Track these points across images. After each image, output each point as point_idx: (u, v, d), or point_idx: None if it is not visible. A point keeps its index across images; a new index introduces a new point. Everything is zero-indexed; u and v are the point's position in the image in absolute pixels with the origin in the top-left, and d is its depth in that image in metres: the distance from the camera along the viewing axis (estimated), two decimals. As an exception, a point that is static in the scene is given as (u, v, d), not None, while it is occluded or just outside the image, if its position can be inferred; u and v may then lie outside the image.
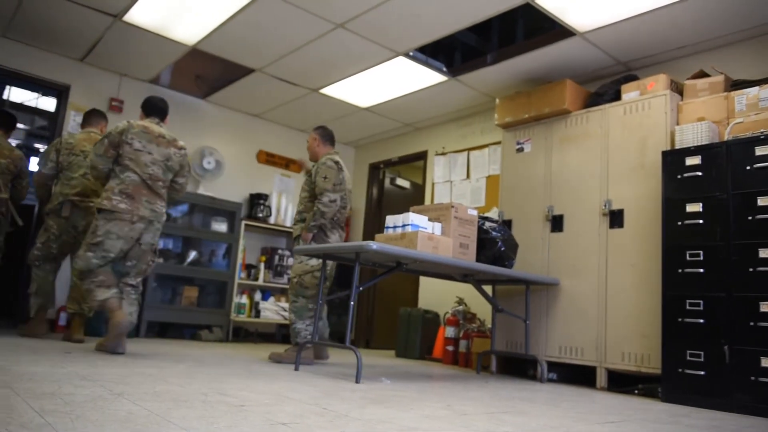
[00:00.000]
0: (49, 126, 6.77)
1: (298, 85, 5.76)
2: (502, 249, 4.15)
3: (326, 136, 4.47)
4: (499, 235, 4.18)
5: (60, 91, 5.68)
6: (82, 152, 4.50)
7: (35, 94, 6.74)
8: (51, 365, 2.86)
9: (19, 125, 7.17)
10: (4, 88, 7.70)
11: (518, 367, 4.64)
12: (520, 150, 4.84)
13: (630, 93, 4.24)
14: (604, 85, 4.57)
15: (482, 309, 5.21)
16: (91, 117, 4.80)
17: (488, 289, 4.68)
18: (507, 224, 4.70)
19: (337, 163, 4.24)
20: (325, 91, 5.85)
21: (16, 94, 7.64)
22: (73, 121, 5.53)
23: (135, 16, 4.63)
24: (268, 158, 6.86)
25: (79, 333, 4.32)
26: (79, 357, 3.29)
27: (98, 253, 3.64)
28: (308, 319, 4.11)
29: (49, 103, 6.73)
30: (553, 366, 4.33)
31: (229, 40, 4.91)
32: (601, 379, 3.97)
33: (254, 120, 6.83)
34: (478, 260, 4.04)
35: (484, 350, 4.71)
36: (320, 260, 4.14)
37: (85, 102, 5.62)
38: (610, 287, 4.05)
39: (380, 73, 5.32)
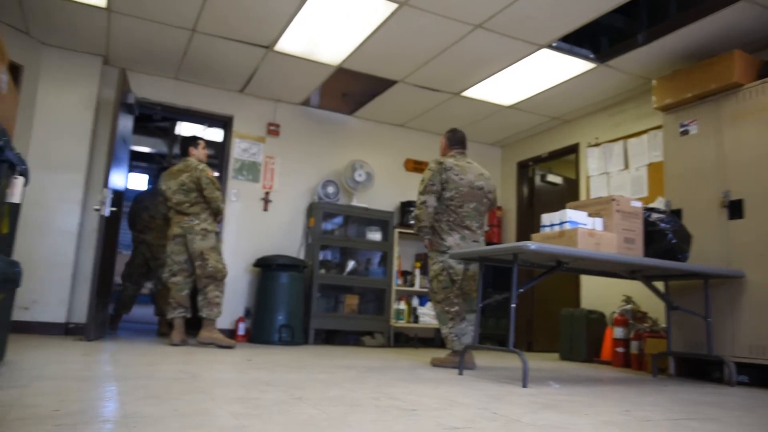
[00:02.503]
0: (217, 154, 7.46)
1: (440, 90, 5.80)
2: (673, 241, 3.83)
3: (453, 139, 4.38)
4: (668, 226, 3.87)
5: (225, 122, 6.24)
6: None
7: (202, 126, 7.45)
8: (237, 372, 3.13)
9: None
10: (176, 124, 8.65)
11: (699, 369, 4.24)
12: (685, 132, 4.45)
13: (815, 55, 3.74)
14: (781, 50, 4.07)
15: (653, 307, 4.85)
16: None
17: (659, 285, 4.34)
18: (676, 214, 4.33)
19: (440, 163, 4.14)
20: (467, 93, 5.82)
21: (186, 128, 8.54)
22: (238, 147, 6.04)
23: (284, 44, 4.95)
24: (416, 166, 6.97)
25: (181, 335, 4.63)
26: (260, 364, 3.56)
27: (165, 269, 4.81)
28: (450, 322, 4.08)
29: (216, 134, 7.40)
30: (742, 367, 3.90)
31: (371, 56, 5.08)
32: (805, 381, 3.51)
33: (399, 130, 6.98)
34: (646, 255, 3.77)
35: (660, 351, 4.37)
36: (442, 264, 4.09)
37: (247, 129, 6.11)
38: (807, 277, 3.58)
39: (522, 69, 5.19)
